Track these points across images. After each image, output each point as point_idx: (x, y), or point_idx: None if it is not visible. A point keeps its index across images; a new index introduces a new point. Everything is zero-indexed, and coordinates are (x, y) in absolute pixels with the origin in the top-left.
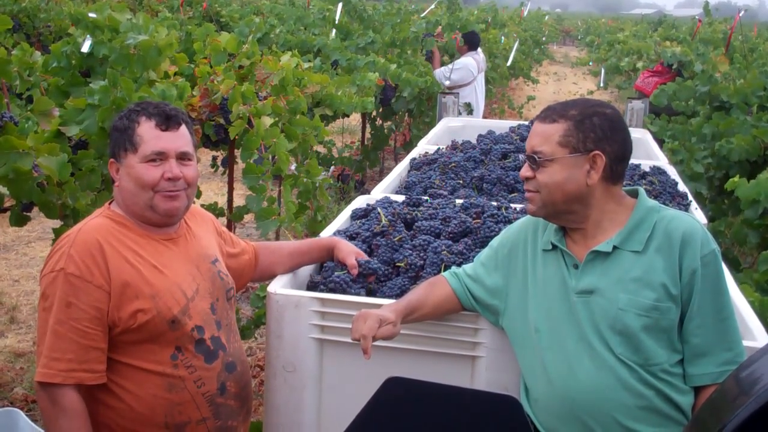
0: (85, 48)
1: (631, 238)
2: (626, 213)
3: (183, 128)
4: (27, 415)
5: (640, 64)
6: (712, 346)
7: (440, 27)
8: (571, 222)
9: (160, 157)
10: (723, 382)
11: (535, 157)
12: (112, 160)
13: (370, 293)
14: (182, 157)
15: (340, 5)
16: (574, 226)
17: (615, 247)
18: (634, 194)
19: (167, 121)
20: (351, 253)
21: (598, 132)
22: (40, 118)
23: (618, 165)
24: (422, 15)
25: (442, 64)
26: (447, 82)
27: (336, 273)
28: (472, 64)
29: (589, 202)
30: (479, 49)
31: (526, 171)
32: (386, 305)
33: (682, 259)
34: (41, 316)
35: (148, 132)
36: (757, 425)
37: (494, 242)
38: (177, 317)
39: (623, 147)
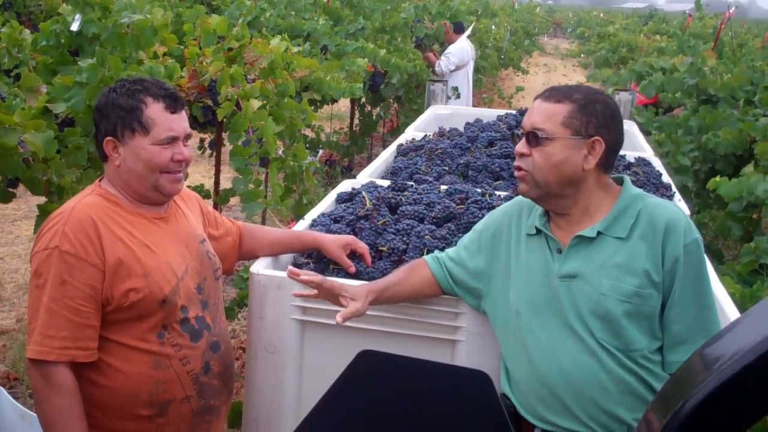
0: (75, 26)
1: (616, 224)
2: (611, 200)
3: (184, 109)
4: (9, 393)
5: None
6: (691, 333)
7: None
8: (559, 207)
9: (172, 140)
10: (688, 359)
11: (537, 133)
12: (110, 138)
13: (354, 276)
14: (186, 139)
15: None
16: (561, 212)
17: (599, 233)
18: (619, 182)
19: (175, 103)
20: (341, 253)
21: (600, 118)
22: (28, 94)
23: (611, 154)
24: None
25: (433, 51)
26: (451, 67)
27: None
28: (466, 47)
29: (580, 188)
30: (468, 40)
31: (522, 147)
32: (363, 284)
33: (665, 246)
34: (33, 294)
35: (159, 114)
36: (719, 401)
37: (478, 226)
38: (168, 297)
39: (619, 137)
